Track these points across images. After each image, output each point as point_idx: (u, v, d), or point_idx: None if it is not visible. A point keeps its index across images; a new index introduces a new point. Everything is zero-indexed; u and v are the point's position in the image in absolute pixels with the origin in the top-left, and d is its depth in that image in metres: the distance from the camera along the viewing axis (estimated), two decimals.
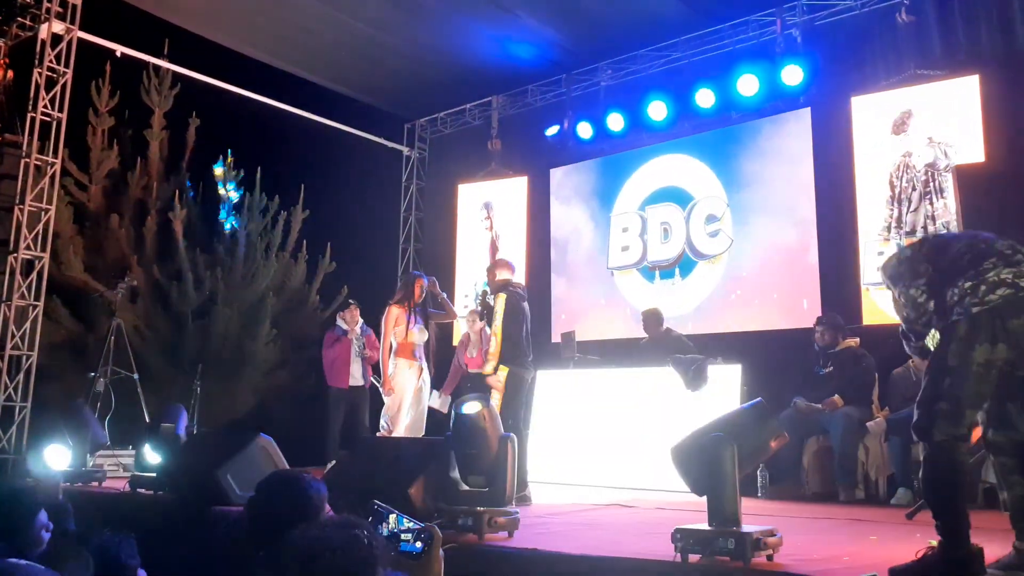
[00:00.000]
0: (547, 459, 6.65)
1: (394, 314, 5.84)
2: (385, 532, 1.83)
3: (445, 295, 6.23)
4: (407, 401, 5.69)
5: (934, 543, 3.28)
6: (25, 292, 7.18)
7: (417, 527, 1.84)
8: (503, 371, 5.25)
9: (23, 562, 1.75)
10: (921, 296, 2.82)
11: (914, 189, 6.95)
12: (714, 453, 2.84)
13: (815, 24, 7.76)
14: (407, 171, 10.97)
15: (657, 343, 6.99)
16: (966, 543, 2.57)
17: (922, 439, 2.72)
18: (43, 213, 7.33)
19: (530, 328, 5.59)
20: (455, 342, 8.16)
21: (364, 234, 10.48)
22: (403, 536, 1.83)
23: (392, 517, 1.86)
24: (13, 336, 7.05)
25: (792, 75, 7.60)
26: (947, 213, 6.63)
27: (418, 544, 1.81)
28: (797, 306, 7.46)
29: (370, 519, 1.83)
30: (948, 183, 6.58)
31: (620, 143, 9.00)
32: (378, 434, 5.86)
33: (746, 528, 2.79)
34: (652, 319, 7.19)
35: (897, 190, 7.04)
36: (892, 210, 7.06)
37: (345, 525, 1.41)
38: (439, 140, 10.99)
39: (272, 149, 9.80)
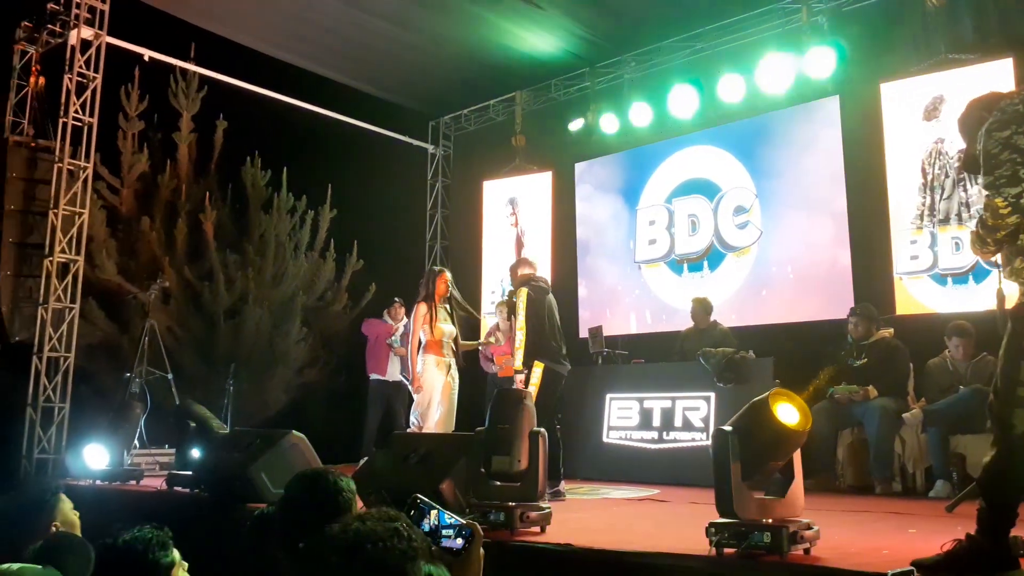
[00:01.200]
0: (579, 454, 6.64)
1: (421, 312, 5.87)
2: (426, 528, 1.83)
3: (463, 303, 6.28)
4: (436, 397, 5.72)
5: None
6: (61, 295, 7.31)
7: (459, 524, 1.84)
8: (538, 367, 5.25)
9: (15, 565, 1.74)
10: (1006, 208, 2.57)
11: (947, 176, 6.82)
12: (715, 445, 2.88)
13: (842, 10, 7.64)
14: (432, 169, 11.01)
15: (702, 333, 6.91)
16: (1004, 538, 2.51)
17: (1000, 429, 2.57)
18: (77, 217, 7.45)
19: (559, 322, 5.59)
20: (483, 336, 8.18)
21: (391, 232, 10.54)
22: (444, 532, 1.82)
23: (433, 513, 1.86)
24: (51, 338, 7.19)
25: (819, 63, 7.49)
26: (982, 199, 6.48)
27: (459, 541, 1.80)
28: (829, 297, 7.37)
29: (412, 513, 1.84)
30: None
31: (645, 136, 8.95)
32: (409, 430, 5.89)
33: (786, 521, 2.75)
34: (700, 309, 7.07)
35: (929, 177, 6.92)
36: (925, 198, 6.94)
37: (385, 518, 1.42)
38: (463, 137, 11.01)
39: (299, 149, 9.88)
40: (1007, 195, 2.59)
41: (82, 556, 2.01)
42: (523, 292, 5.40)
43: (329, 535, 1.39)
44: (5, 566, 1.72)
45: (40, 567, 1.75)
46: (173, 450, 6.79)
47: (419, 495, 1.90)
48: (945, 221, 6.77)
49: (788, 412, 2.80)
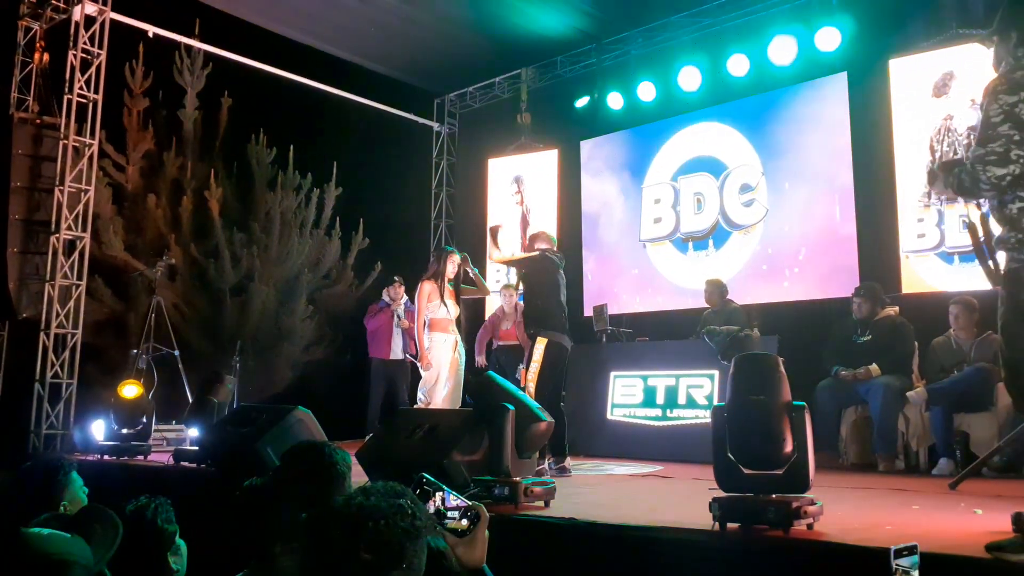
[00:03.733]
0: (583, 431, 6.67)
1: (427, 290, 5.87)
2: (432, 509, 1.83)
3: (476, 271, 6.24)
4: (444, 374, 5.74)
5: (979, 511, 3.25)
6: (68, 272, 7.33)
7: (464, 505, 1.84)
8: (541, 343, 5.27)
9: (46, 531, 1.77)
10: (987, 187, 2.46)
11: (956, 153, 6.76)
12: (713, 422, 2.93)
13: None
14: (437, 147, 10.97)
15: (717, 314, 6.90)
16: None
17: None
18: (82, 194, 7.45)
19: (566, 298, 5.60)
20: (487, 316, 8.20)
21: (396, 210, 10.53)
22: (450, 513, 1.83)
23: (439, 494, 1.86)
24: (58, 315, 7.22)
25: (828, 39, 7.44)
26: (970, 157, 6.43)
27: (464, 522, 1.81)
28: (834, 275, 7.35)
29: (418, 493, 1.84)
30: None
31: (652, 113, 8.90)
32: (416, 406, 5.92)
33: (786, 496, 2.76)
34: (715, 290, 7.03)
35: (938, 154, 6.84)
36: None
37: (390, 494, 1.42)
38: (469, 115, 10.95)
39: (304, 127, 9.84)
40: (991, 175, 2.49)
41: (109, 527, 2.05)
42: (537, 254, 5.43)
43: (333, 509, 1.40)
44: (36, 530, 1.75)
45: (68, 535, 1.78)
46: (181, 426, 6.87)
47: (426, 474, 1.91)
48: (953, 199, 6.72)
49: None
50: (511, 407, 3.68)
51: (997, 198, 2.52)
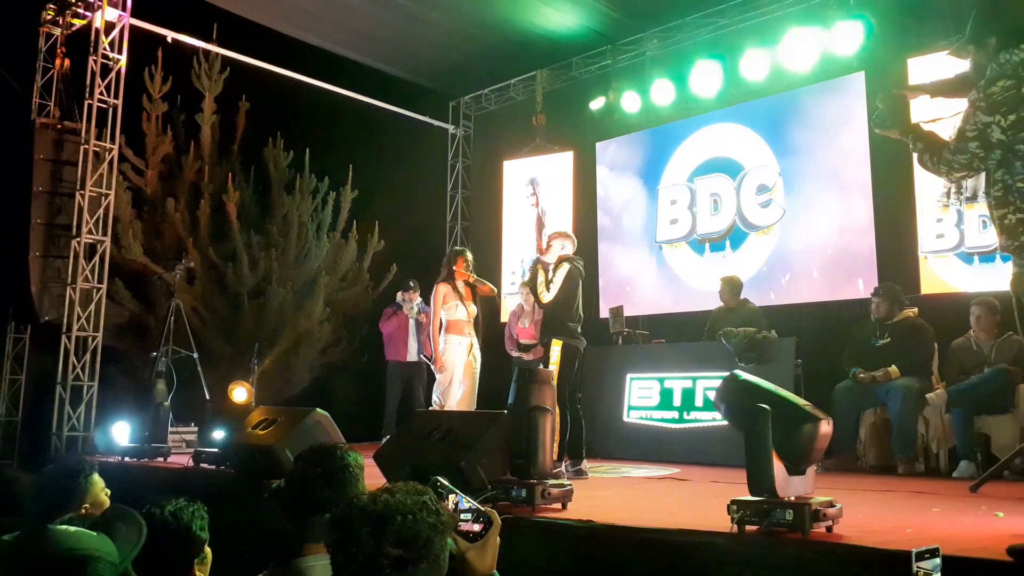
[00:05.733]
0: (600, 433, 6.66)
1: (442, 292, 5.89)
2: None
3: (477, 277, 6.20)
4: (458, 376, 5.76)
5: (1001, 514, 3.22)
6: (89, 275, 7.42)
7: (476, 509, 1.85)
8: (556, 345, 5.27)
9: (72, 527, 1.80)
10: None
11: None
12: (752, 425, 2.78)
13: None
14: (453, 149, 10.99)
15: (731, 312, 6.86)
16: None
17: None
18: (103, 198, 7.54)
19: (581, 301, 5.61)
20: (503, 317, 8.20)
21: (412, 213, 10.57)
22: (462, 517, 1.84)
23: (452, 497, 1.87)
24: (79, 318, 7.30)
25: (845, 38, 7.38)
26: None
27: (477, 527, 1.82)
28: (852, 277, 7.30)
29: None
30: None
31: (667, 114, 8.87)
32: (431, 408, 5.94)
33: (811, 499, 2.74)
34: (728, 288, 6.99)
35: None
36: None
37: (413, 491, 1.45)
38: (484, 117, 10.98)
39: (321, 130, 9.90)
40: (955, 178, 2.79)
41: (133, 527, 2.08)
42: (565, 266, 5.42)
43: (359, 506, 1.42)
44: (62, 527, 1.78)
45: (94, 533, 1.81)
46: (198, 428, 6.92)
47: (440, 479, 1.92)
48: (972, 199, 6.66)
49: None
50: (550, 409, 3.68)
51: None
